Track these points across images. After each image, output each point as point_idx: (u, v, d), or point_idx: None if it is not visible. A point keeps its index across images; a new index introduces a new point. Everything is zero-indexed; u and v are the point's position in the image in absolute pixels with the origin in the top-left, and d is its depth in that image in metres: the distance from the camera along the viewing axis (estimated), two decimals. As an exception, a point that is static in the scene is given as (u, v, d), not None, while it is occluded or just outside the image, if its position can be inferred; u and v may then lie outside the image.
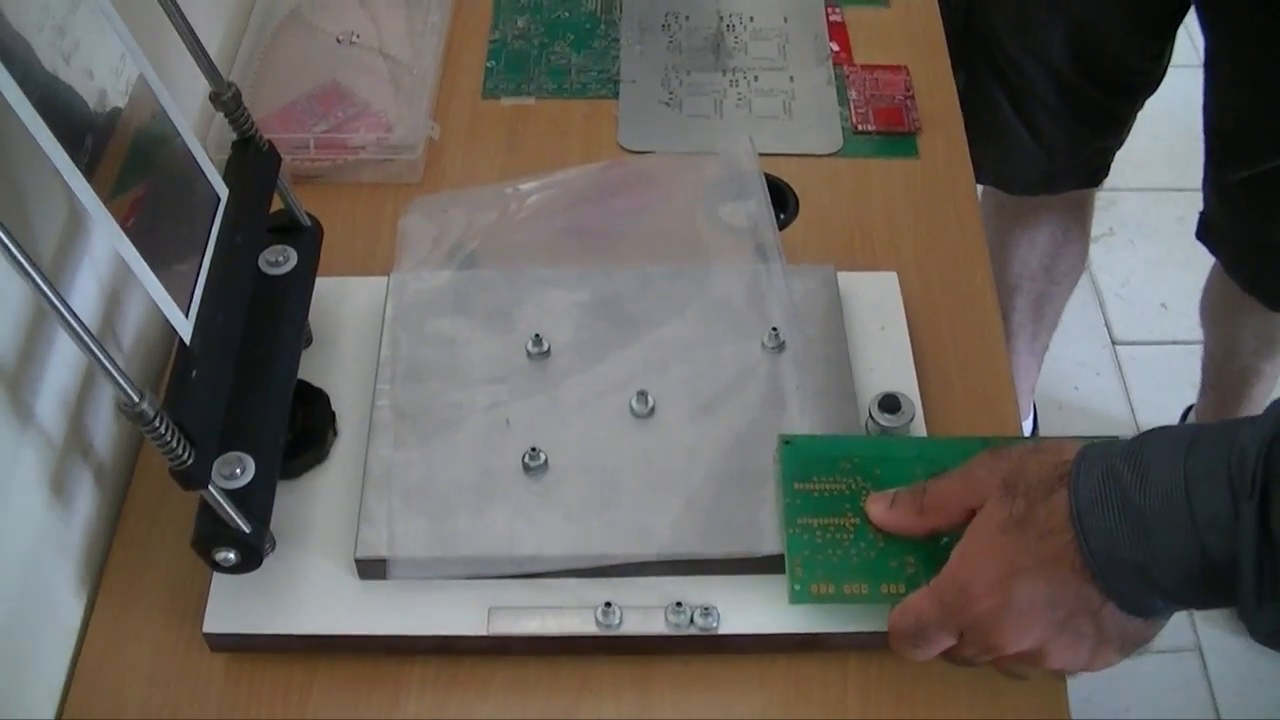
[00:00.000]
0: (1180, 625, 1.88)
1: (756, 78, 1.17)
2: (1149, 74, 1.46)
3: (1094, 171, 1.59)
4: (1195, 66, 1.40)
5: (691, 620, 0.80)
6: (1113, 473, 0.69)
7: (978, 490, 0.75)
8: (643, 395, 0.87)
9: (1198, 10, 1.34)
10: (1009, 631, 0.72)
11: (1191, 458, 0.67)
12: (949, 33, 1.22)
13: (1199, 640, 1.86)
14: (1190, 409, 1.97)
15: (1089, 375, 2.17)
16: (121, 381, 0.67)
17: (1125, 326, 2.24)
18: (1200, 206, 1.49)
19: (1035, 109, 1.47)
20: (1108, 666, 0.76)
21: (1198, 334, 1.79)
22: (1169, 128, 1.61)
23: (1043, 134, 1.49)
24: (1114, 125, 1.52)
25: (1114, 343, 2.22)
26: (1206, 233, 1.50)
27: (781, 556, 0.80)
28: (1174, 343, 2.19)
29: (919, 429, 0.88)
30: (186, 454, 0.70)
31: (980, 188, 1.57)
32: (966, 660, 0.76)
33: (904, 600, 0.76)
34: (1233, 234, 1.47)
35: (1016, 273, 1.71)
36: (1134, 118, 1.52)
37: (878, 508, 0.79)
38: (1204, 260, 1.60)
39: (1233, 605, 0.67)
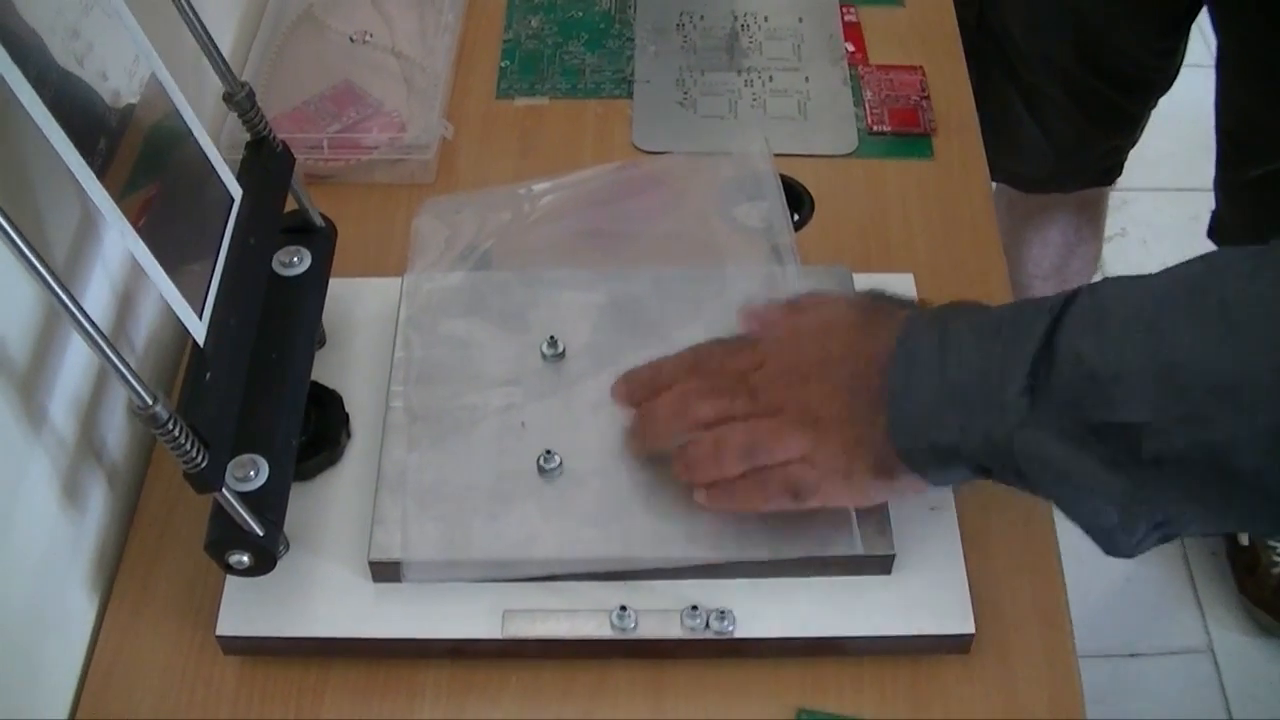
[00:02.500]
0: (1192, 628, 1.87)
1: (771, 78, 1.16)
2: (1161, 73, 1.45)
3: (1106, 170, 1.58)
4: (1208, 66, 1.39)
5: (707, 624, 0.80)
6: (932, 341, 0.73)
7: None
8: None
9: (1210, 10, 1.33)
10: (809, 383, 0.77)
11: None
12: (961, 28, 1.22)
13: (1211, 642, 1.86)
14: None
15: (1101, 375, 2.16)
16: (135, 384, 0.66)
17: (1138, 327, 2.22)
18: (1212, 206, 1.49)
19: (1046, 106, 1.46)
20: (856, 497, 0.79)
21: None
22: (1182, 127, 1.60)
23: (1054, 132, 1.49)
24: (1126, 124, 1.51)
25: (1126, 343, 2.20)
26: (1217, 232, 1.49)
27: (796, 560, 0.80)
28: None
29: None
30: (200, 456, 0.70)
31: (993, 186, 1.56)
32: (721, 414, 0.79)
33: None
34: (1243, 233, 1.46)
35: (1029, 272, 1.70)
36: (1147, 117, 1.51)
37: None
38: (1217, 261, 1.60)
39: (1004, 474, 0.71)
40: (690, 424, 0.81)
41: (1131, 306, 0.66)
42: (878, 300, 0.80)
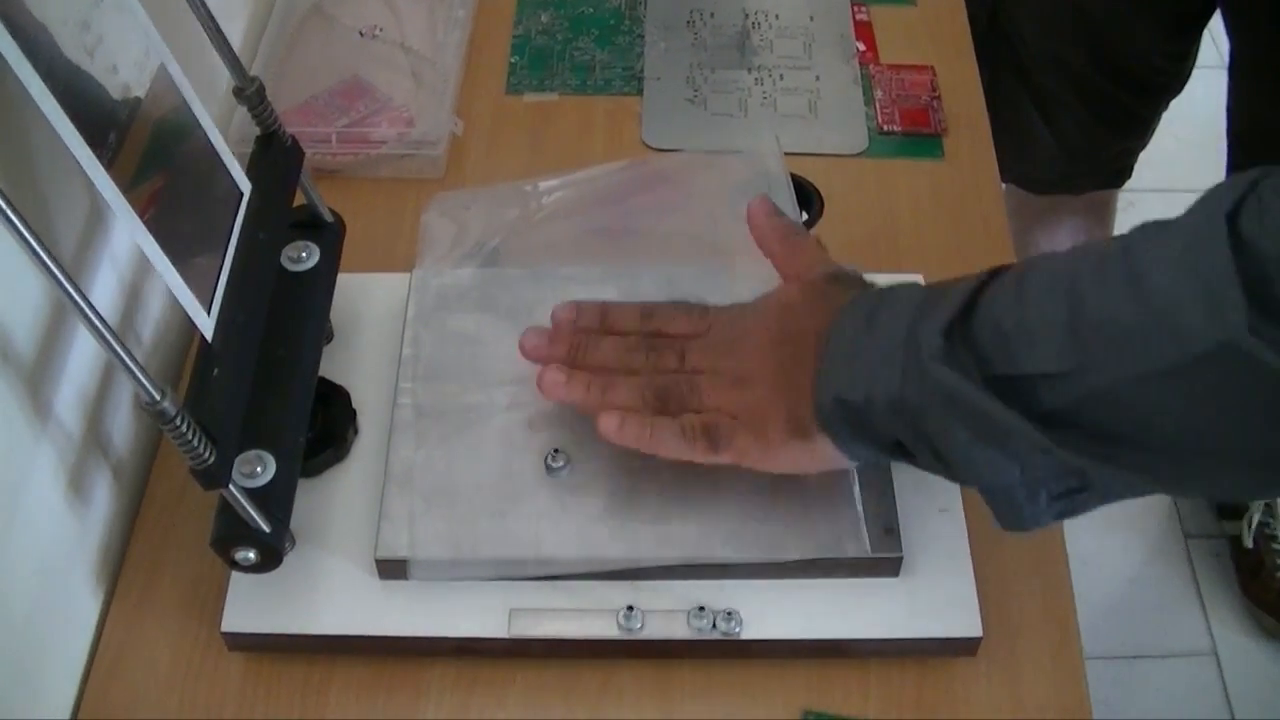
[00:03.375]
0: (1196, 631, 1.87)
1: (782, 76, 1.16)
2: (1172, 75, 1.45)
3: (1116, 172, 1.58)
4: (1218, 68, 1.39)
5: (714, 624, 0.79)
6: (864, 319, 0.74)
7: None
8: None
9: (1223, 14, 1.33)
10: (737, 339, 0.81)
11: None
12: (972, 29, 1.21)
13: (1215, 645, 1.86)
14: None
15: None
16: (142, 379, 0.66)
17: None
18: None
19: (1057, 108, 1.46)
20: (742, 439, 0.78)
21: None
22: (1190, 129, 1.60)
23: (1064, 133, 1.49)
24: (1137, 126, 1.51)
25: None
26: None
27: (804, 562, 0.80)
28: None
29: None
30: (207, 452, 0.69)
31: (1002, 187, 1.56)
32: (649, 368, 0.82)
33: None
34: None
35: (1037, 275, 1.70)
36: (1157, 119, 1.51)
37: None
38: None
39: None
40: (618, 369, 0.83)
41: (1051, 274, 0.67)
42: (833, 282, 0.81)
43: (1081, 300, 0.64)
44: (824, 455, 0.76)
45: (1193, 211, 0.64)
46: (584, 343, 0.84)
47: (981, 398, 0.66)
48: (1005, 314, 0.67)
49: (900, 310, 0.72)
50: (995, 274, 0.70)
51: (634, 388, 0.81)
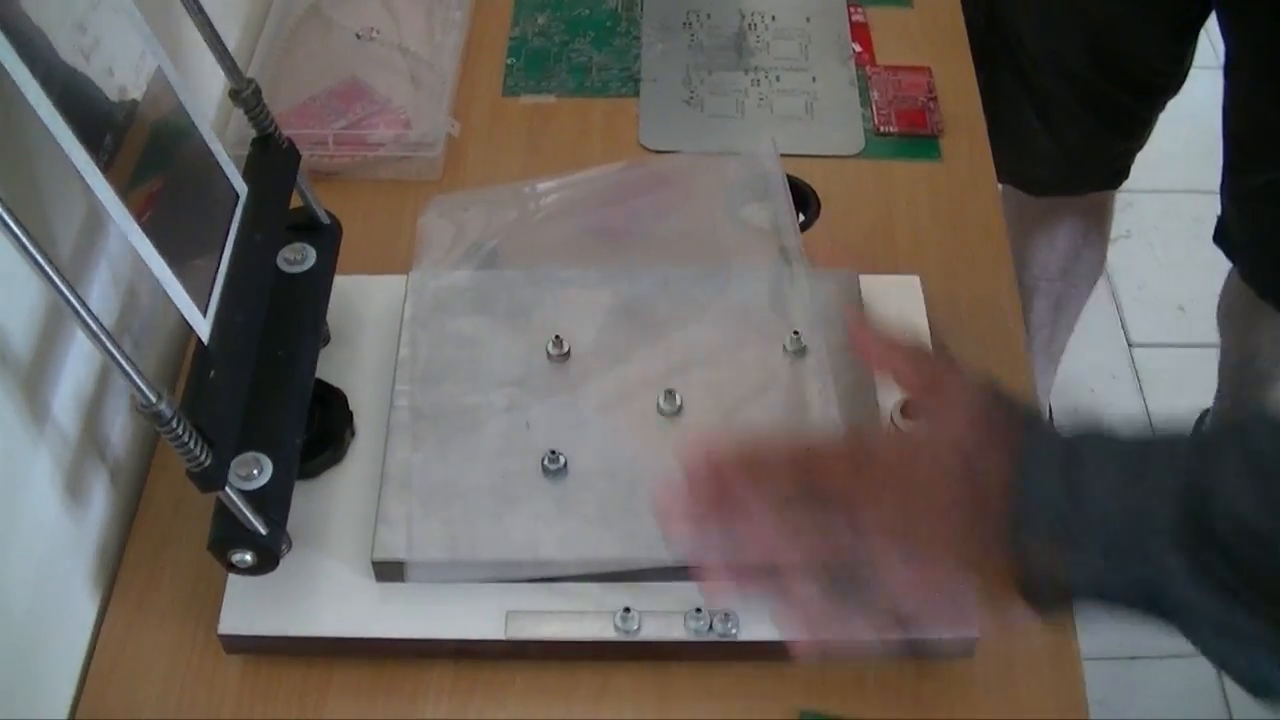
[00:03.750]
0: (1195, 630, 1.86)
1: (778, 77, 1.16)
2: (1170, 76, 1.45)
3: (1114, 173, 1.58)
4: (1214, 68, 1.39)
5: (711, 626, 0.79)
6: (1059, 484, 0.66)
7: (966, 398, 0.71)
8: (670, 394, 0.86)
9: (1218, 14, 1.33)
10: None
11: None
12: (970, 30, 1.21)
13: (1214, 646, 1.85)
14: (1206, 412, 1.96)
15: (1105, 378, 2.16)
16: (139, 381, 0.66)
17: (1142, 329, 2.22)
18: (1215, 209, 1.48)
19: (1055, 109, 1.46)
20: (932, 613, 0.71)
21: (1215, 337, 1.78)
22: (1186, 129, 1.60)
23: (1062, 134, 1.49)
24: (1135, 127, 1.51)
25: (1130, 345, 2.20)
26: (1224, 238, 1.49)
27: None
28: (1191, 345, 2.18)
29: (941, 435, 0.87)
30: (204, 455, 0.69)
31: (1000, 188, 1.56)
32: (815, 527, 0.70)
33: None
34: (1249, 240, 1.46)
35: (1035, 274, 1.70)
36: (1155, 120, 1.51)
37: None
38: (1221, 263, 1.59)
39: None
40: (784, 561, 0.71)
41: None
42: (994, 404, 0.71)
43: None
44: (1017, 621, 0.69)
45: None
46: (733, 502, 0.71)
47: (1235, 614, 0.62)
48: (1252, 515, 0.60)
49: (1105, 483, 0.64)
50: (1214, 447, 0.63)
51: (809, 580, 0.69)
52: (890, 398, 0.87)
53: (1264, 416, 0.63)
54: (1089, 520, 0.64)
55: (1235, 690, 1.73)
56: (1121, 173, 1.58)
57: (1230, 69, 1.35)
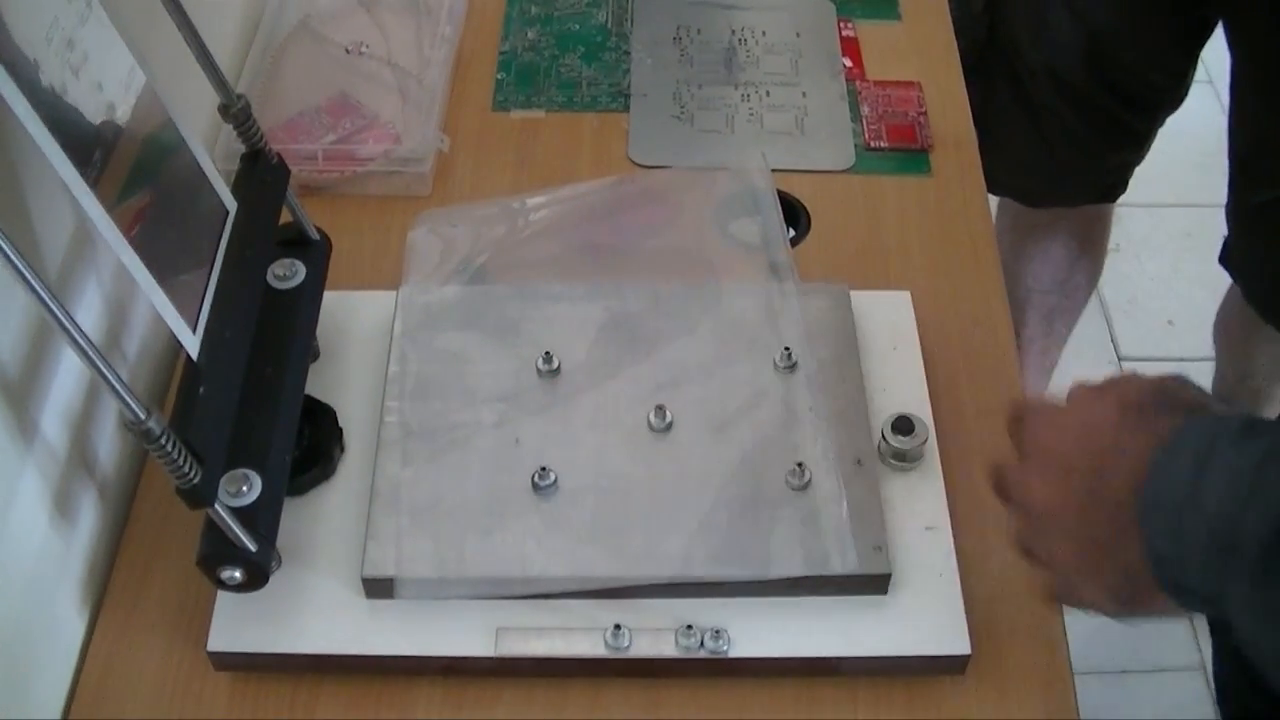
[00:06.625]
0: (1184, 644, 1.87)
1: (768, 92, 1.16)
2: (1171, 91, 1.45)
3: (1111, 186, 1.58)
4: (1204, 82, 1.39)
5: (702, 643, 0.79)
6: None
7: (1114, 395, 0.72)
8: (661, 410, 0.86)
9: (1225, 31, 1.33)
10: (1041, 474, 0.71)
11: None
12: (970, 42, 1.21)
13: (1203, 660, 1.86)
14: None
15: (1095, 391, 2.16)
16: (127, 398, 0.66)
17: (1132, 343, 2.23)
18: (1205, 223, 1.48)
19: (1052, 121, 1.46)
20: (1093, 601, 0.72)
21: (1205, 351, 1.78)
22: (1177, 144, 1.60)
23: (1061, 148, 1.48)
24: (1132, 141, 1.51)
25: (1120, 359, 2.21)
26: (1228, 259, 1.48)
27: (792, 579, 0.80)
28: (1180, 359, 2.18)
29: (932, 451, 0.87)
30: (193, 472, 0.69)
31: (995, 201, 1.56)
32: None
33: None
34: (1253, 261, 1.45)
35: (1029, 286, 1.70)
36: (1153, 134, 1.50)
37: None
38: (1211, 277, 1.60)
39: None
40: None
41: None
42: (1155, 395, 0.71)
43: None
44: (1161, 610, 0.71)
45: None
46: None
47: None
48: None
49: (1228, 481, 0.63)
50: None
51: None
52: (881, 414, 0.87)
53: None
54: (1200, 514, 0.63)
55: (1226, 704, 1.73)
56: (1118, 186, 1.58)
57: (1235, 86, 1.35)
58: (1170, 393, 0.71)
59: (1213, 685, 1.81)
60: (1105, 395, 0.72)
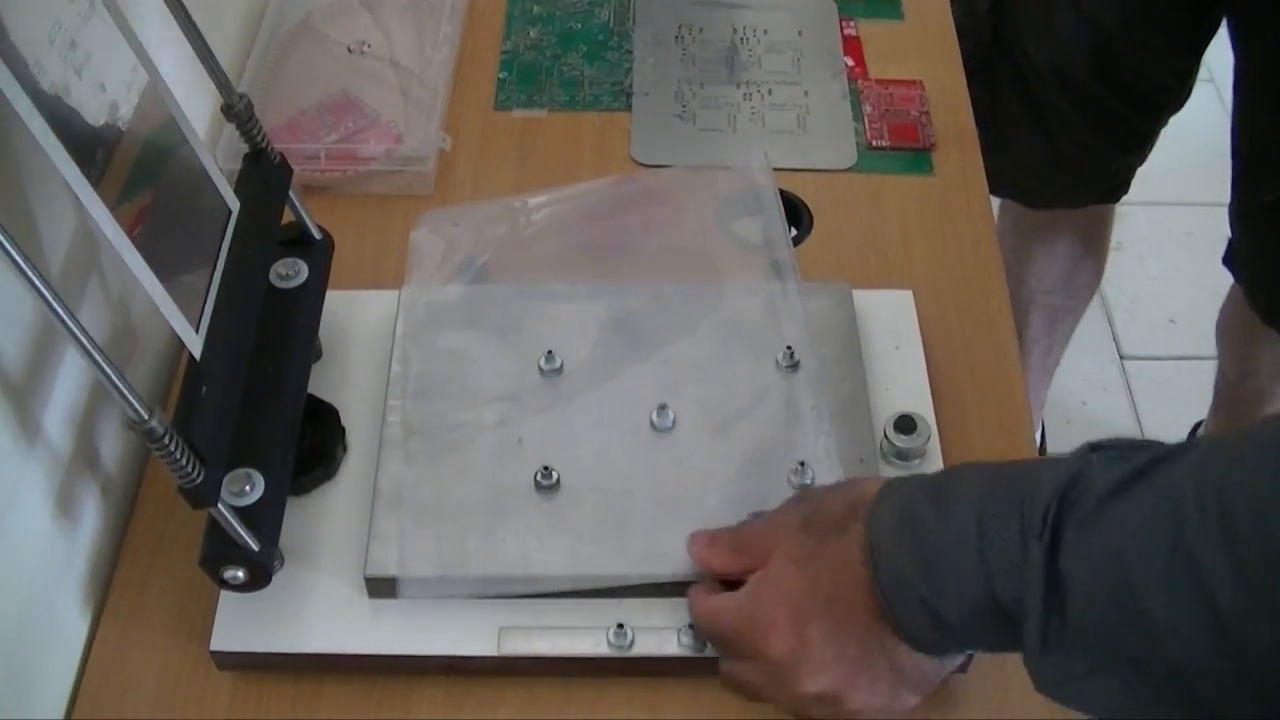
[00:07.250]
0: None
1: (770, 91, 1.16)
2: (1175, 91, 1.45)
3: (1114, 187, 1.58)
4: (1205, 81, 1.39)
5: (704, 642, 0.79)
6: (911, 507, 0.69)
7: (781, 530, 0.76)
8: (663, 409, 0.86)
9: (1230, 31, 1.33)
10: (804, 673, 0.72)
11: (990, 495, 0.66)
12: (975, 43, 1.21)
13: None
14: (1199, 425, 1.96)
15: (1096, 390, 2.17)
16: (130, 398, 0.66)
17: (1133, 342, 2.23)
18: (1207, 222, 1.48)
19: (1056, 121, 1.46)
20: (908, 710, 0.75)
21: (1206, 349, 1.78)
22: (1178, 143, 1.60)
23: (1064, 147, 1.48)
24: (1137, 141, 1.51)
25: (1122, 358, 2.21)
26: (1232, 259, 1.48)
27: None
28: (1182, 358, 2.18)
29: (934, 450, 0.87)
30: (196, 471, 0.69)
31: (998, 201, 1.56)
32: (765, 697, 0.77)
33: (714, 603, 0.77)
34: (1257, 261, 1.45)
35: (1033, 286, 1.70)
36: (1156, 135, 1.50)
37: (698, 545, 0.80)
38: (1212, 276, 1.60)
39: (1019, 650, 0.66)
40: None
41: (1124, 557, 0.60)
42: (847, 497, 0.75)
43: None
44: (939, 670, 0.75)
45: None
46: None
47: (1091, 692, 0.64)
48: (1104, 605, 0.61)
49: (966, 556, 0.66)
50: (1062, 533, 0.63)
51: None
52: (883, 413, 0.87)
53: (1095, 501, 0.62)
54: (941, 557, 0.67)
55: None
56: (1121, 187, 1.58)
57: (1239, 85, 1.35)
58: (822, 514, 0.75)
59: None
60: (774, 533, 0.76)
